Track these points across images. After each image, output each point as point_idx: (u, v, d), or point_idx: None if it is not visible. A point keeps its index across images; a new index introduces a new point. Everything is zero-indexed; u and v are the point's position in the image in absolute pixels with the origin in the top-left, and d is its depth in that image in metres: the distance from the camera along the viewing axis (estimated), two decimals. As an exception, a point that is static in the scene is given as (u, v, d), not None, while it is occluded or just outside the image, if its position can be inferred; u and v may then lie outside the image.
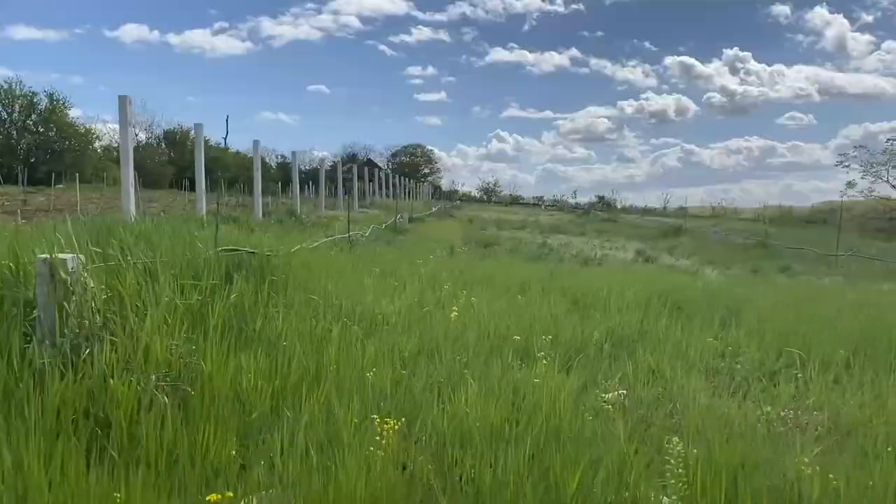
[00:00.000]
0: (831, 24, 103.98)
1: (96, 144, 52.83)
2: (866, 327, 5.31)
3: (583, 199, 77.53)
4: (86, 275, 3.22)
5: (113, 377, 2.87)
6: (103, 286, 3.37)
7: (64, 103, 44.81)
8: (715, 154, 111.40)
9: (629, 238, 22.51)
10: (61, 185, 36.76)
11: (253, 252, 5.95)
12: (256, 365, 3.38)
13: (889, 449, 2.98)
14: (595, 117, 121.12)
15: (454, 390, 3.44)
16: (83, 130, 47.56)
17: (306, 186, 44.78)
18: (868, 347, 4.75)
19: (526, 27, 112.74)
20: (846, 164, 36.49)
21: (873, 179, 34.75)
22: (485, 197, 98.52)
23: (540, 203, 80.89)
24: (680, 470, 2.35)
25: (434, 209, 35.10)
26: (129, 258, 3.82)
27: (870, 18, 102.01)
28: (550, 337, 4.49)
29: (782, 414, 3.58)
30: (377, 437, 2.57)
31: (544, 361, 4.01)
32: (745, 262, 14.87)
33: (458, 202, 67.18)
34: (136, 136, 58.89)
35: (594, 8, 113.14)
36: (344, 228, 16.11)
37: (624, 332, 5.24)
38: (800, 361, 4.38)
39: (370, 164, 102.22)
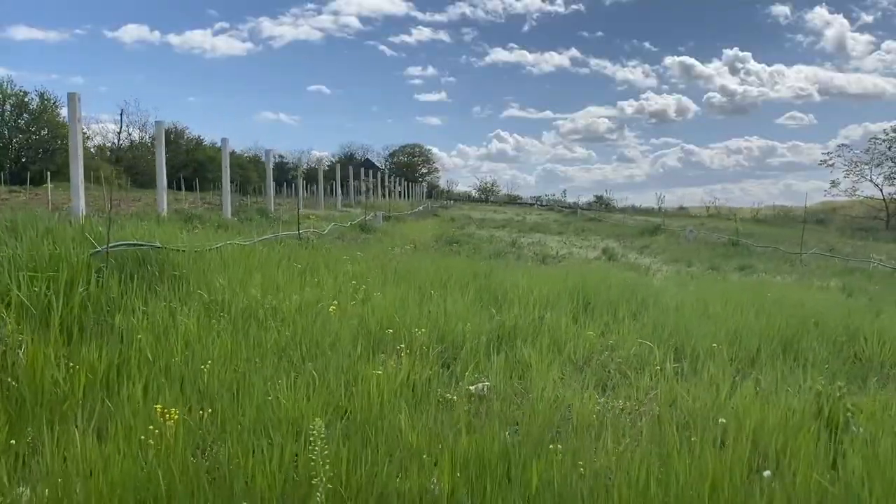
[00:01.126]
0: (831, 25, 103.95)
1: (89, 144, 53.04)
2: (753, 322, 5.32)
3: (581, 199, 78.02)
4: None
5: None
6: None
7: (55, 103, 44.97)
8: (715, 154, 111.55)
9: (606, 237, 22.50)
10: (47, 184, 36.90)
11: (159, 247, 6.02)
12: (90, 356, 3.41)
13: (694, 439, 2.99)
14: (595, 117, 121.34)
15: (277, 381, 3.45)
16: (75, 130, 47.62)
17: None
18: (744, 341, 4.76)
19: (526, 27, 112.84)
20: (830, 163, 36.37)
21: (857, 178, 34.61)
22: (482, 196, 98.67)
23: (536, 203, 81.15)
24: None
25: (420, 208, 35.12)
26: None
27: (869, 19, 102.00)
28: (424, 331, 4.52)
29: (618, 404, 3.60)
30: (150, 427, 2.59)
31: (402, 355, 4.03)
32: (709, 260, 14.84)
33: (452, 202, 67.28)
34: (129, 134, 59.11)
35: (594, 8, 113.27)
36: (311, 226, 16.16)
37: (519, 327, 5.25)
38: (662, 354, 4.39)
39: (367, 164, 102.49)
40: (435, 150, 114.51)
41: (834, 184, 34.59)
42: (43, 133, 45.65)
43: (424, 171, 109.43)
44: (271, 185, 20.47)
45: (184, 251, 6.10)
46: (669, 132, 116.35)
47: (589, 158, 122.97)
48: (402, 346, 4.10)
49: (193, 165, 59.10)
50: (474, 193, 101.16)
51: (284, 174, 62.92)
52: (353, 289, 6.00)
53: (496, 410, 3.60)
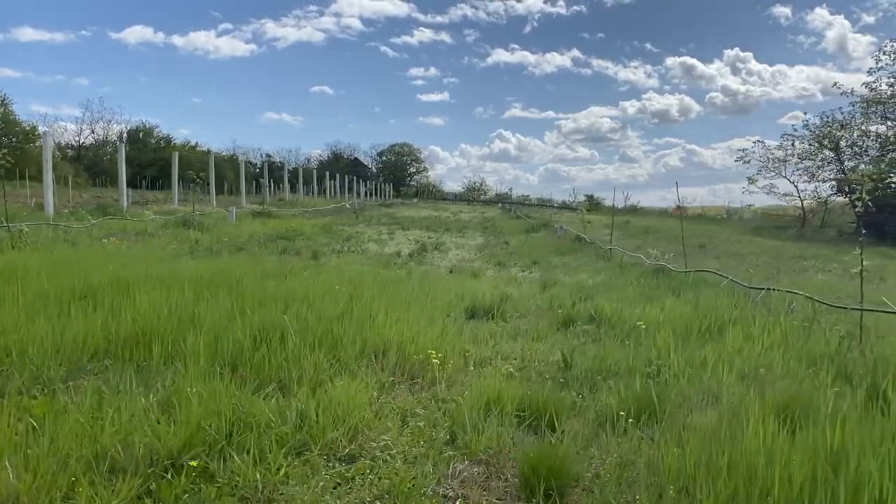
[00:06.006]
0: (832, 25, 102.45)
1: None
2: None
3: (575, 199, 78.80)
4: None
5: None
6: None
7: (4, 101, 45.31)
8: (717, 154, 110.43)
9: (488, 234, 22.16)
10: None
11: None
12: None
13: None
14: (597, 117, 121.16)
15: None
16: (28, 128, 48.07)
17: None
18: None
19: (527, 28, 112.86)
20: (746, 159, 34.80)
21: (773, 175, 33.09)
22: (471, 195, 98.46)
23: (524, 202, 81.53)
24: None
25: (347, 205, 34.77)
26: None
27: (871, 20, 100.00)
28: None
29: None
30: None
31: None
32: (528, 256, 14.43)
33: (416, 200, 66.98)
34: (93, 132, 59.47)
35: (595, 9, 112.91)
36: (148, 218, 15.90)
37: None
38: None
39: (356, 163, 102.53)
40: (438, 149, 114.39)
41: (751, 181, 33.23)
42: (-6, 131, 45.96)
43: (413, 170, 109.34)
44: (123, 177, 20.20)
45: None
46: (672, 132, 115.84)
47: (591, 158, 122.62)
48: None
49: (161, 164, 59.32)
50: (466, 193, 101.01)
51: (272, 173, 63.14)
52: None
53: None
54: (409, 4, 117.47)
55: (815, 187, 29.83)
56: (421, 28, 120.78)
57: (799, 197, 30.33)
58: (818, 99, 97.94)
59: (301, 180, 51.35)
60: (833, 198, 29.33)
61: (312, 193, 51.18)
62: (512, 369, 5.06)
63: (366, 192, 69.91)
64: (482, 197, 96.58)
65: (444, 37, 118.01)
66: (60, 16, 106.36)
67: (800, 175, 30.86)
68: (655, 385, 4.46)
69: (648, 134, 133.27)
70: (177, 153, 23.99)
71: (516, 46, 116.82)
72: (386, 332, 5.18)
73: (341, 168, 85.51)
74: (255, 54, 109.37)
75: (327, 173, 59.17)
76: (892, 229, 22.63)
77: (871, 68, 28.13)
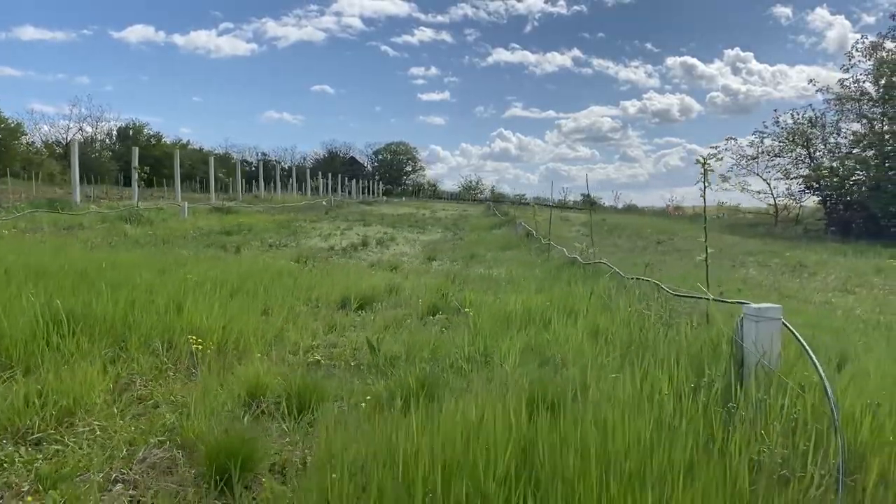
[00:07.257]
0: (833, 25, 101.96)
1: (35, 138, 53.86)
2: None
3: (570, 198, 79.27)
4: None
5: None
6: None
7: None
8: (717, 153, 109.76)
9: (448, 230, 22.04)
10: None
11: None
12: None
13: None
14: (598, 117, 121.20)
15: None
16: (13, 125, 48.20)
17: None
18: None
19: (528, 28, 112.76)
20: (720, 157, 34.27)
21: (745, 173, 32.53)
22: (468, 195, 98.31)
23: (520, 201, 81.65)
24: None
25: (324, 203, 34.66)
26: None
27: (871, 20, 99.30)
28: None
29: None
30: None
31: None
32: (458, 253, 14.27)
33: (404, 198, 66.90)
34: (81, 129, 59.60)
35: (595, 9, 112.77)
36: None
37: None
38: None
39: (352, 162, 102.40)
40: (439, 148, 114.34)
41: (724, 178, 32.81)
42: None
43: (409, 169, 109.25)
44: (77, 173, 20.10)
45: None
46: (672, 132, 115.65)
47: (592, 158, 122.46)
48: None
49: (150, 161, 59.29)
50: (464, 192, 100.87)
51: (268, 171, 63.09)
52: None
53: None
54: (409, 4, 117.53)
55: (788, 185, 29.53)
56: (422, 27, 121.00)
57: (771, 194, 30.03)
58: (819, 99, 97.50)
59: (278, 178, 51.39)
60: (804, 194, 29.05)
61: (293, 192, 51.07)
62: (320, 357, 4.92)
63: (360, 191, 69.79)
64: (479, 196, 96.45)
65: (445, 36, 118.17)
66: (62, 15, 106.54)
67: (770, 172, 30.51)
68: (443, 372, 4.32)
69: (649, 133, 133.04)
70: (137, 148, 23.93)
71: (517, 46, 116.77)
72: (196, 322, 5.02)
73: (337, 167, 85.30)
74: (256, 53, 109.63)
75: (309, 171, 59.16)
76: (857, 227, 22.36)
77: (843, 65, 27.86)
